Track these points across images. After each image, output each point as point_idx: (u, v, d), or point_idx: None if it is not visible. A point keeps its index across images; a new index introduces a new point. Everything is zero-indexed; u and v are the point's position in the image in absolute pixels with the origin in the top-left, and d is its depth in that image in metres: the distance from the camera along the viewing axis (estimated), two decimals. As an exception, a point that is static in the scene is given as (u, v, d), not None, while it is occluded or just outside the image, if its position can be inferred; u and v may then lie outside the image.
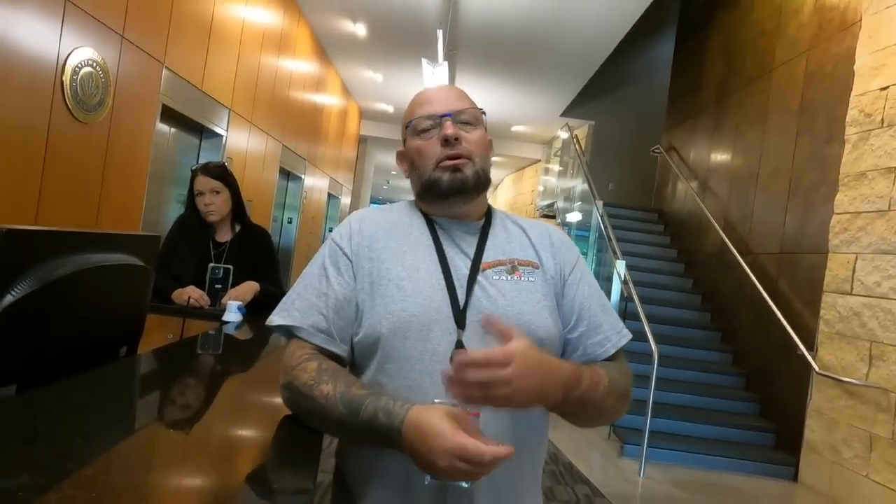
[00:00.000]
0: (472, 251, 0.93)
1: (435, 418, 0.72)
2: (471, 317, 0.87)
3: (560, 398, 0.80)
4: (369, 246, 0.92)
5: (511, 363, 0.71)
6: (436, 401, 0.81)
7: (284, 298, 0.94)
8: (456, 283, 0.89)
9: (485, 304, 0.88)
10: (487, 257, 0.93)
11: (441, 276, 0.90)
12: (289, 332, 0.91)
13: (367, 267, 0.91)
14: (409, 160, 0.98)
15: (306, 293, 0.91)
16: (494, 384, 0.71)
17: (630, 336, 0.96)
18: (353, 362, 0.93)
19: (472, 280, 0.90)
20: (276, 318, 0.91)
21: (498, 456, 0.68)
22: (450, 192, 0.92)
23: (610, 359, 0.93)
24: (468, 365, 0.70)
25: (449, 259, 0.92)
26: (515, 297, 0.90)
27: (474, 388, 0.71)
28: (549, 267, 0.95)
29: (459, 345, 0.85)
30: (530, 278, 0.93)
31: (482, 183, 0.94)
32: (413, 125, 0.95)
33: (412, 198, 1.03)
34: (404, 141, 0.99)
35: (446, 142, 0.92)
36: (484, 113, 0.98)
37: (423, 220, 0.97)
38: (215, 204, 2.18)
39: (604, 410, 0.87)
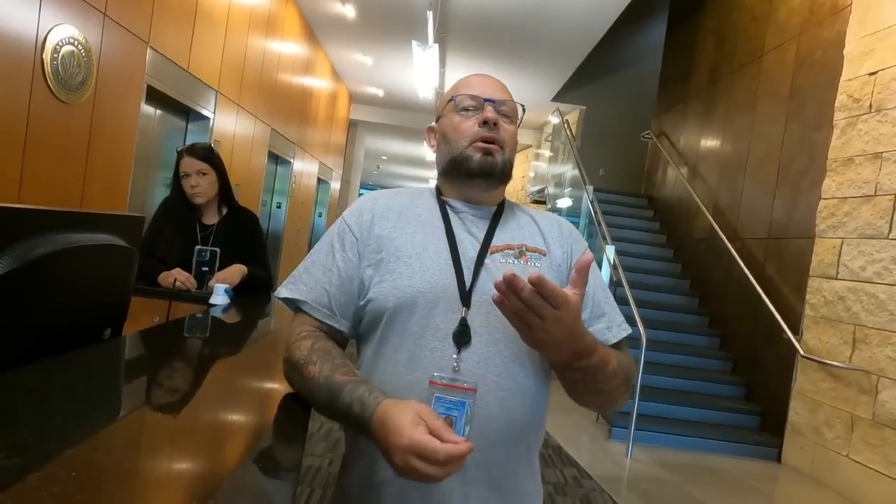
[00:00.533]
0: (481, 235, 0.96)
1: (398, 414, 0.71)
2: (476, 297, 0.89)
3: (565, 359, 0.82)
4: (379, 225, 0.95)
5: (562, 309, 0.73)
6: (434, 374, 0.85)
7: (294, 272, 0.97)
8: (463, 264, 0.92)
9: (490, 286, 0.89)
10: (496, 241, 0.95)
11: (449, 257, 0.92)
12: (295, 305, 0.94)
13: (375, 245, 0.93)
14: (441, 134, 1.01)
15: (313, 268, 0.95)
16: (536, 312, 0.72)
17: (630, 330, 0.98)
18: (359, 333, 0.95)
19: (479, 262, 0.92)
20: (283, 291, 0.95)
21: (453, 454, 0.66)
22: (477, 172, 0.95)
23: (614, 348, 0.94)
24: (537, 285, 0.71)
25: (458, 241, 0.94)
26: None
27: (518, 302, 0.72)
28: (556, 255, 0.97)
29: (463, 322, 0.88)
30: (536, 264, 0.95)
31: (507, 173, 0.98)
32: (457, 101, 0.98)
33: (407, 184, 1.04)
34: (438, 118, 1.03)
35: (485, 123, 0.95)
36: (524, 109, 1.02)
37: (436, 202, 1.00)
38: (202, 186, 2.15)
39: (604, 391, 0.88)
